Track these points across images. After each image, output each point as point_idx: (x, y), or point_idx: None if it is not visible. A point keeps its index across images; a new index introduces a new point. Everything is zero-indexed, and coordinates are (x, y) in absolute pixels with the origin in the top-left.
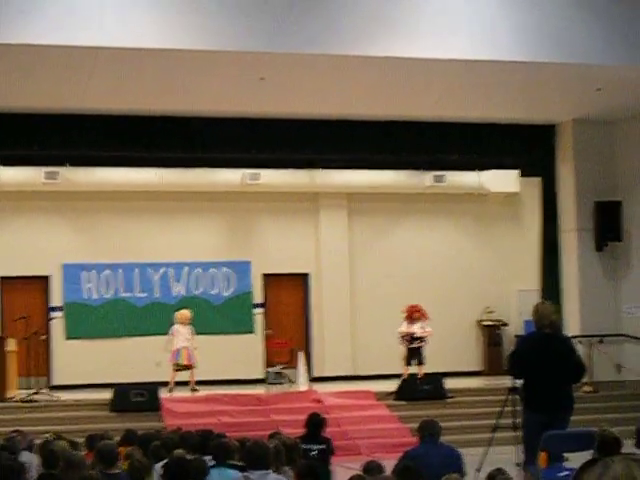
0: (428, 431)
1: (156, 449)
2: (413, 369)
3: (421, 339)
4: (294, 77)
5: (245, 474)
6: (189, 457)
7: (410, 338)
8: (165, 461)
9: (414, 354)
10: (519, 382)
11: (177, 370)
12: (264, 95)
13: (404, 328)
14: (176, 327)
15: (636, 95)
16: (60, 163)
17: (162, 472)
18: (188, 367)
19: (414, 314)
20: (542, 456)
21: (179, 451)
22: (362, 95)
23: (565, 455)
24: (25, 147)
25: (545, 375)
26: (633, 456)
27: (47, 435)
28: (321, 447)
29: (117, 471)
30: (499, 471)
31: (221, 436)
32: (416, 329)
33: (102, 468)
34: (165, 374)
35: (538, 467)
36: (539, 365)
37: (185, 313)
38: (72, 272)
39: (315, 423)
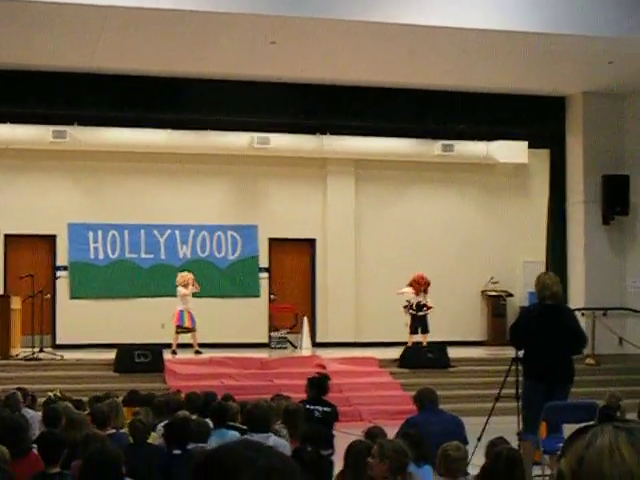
0: (428, 399)
1: (159, 405)
2: (418, 337)
3: (427, 307)
4: (305, 42)
5: (245, 436)
6: (188, 418)
7: (417, 307)
8: (167, 421)
9: (420, 322)
10: (521, 352)
11: (180, 332)
12: (275, 59)
13: (412, 298)
14: (181, 289)
15: None
16: (68, 122)
17: (163, 432)
18: (189, 330)
19: (422, 286)
20: (542, 426)
21: (183, 412)
22: (373, 62)
23: (564, 426)
24: (34, 105)
25: (546, 346)
26: (626, 424)
27: (51, 393)
28: (326, 409)
29: (112, 431)
30: (501, 439)
31: (228, 398)
32: (423, 299)
33: (96, 428)
34: (169, 336)
35: (538, 437)
36: (540, 336)
37: (183, 275)
38: (78, 232)
39: (318, 384)
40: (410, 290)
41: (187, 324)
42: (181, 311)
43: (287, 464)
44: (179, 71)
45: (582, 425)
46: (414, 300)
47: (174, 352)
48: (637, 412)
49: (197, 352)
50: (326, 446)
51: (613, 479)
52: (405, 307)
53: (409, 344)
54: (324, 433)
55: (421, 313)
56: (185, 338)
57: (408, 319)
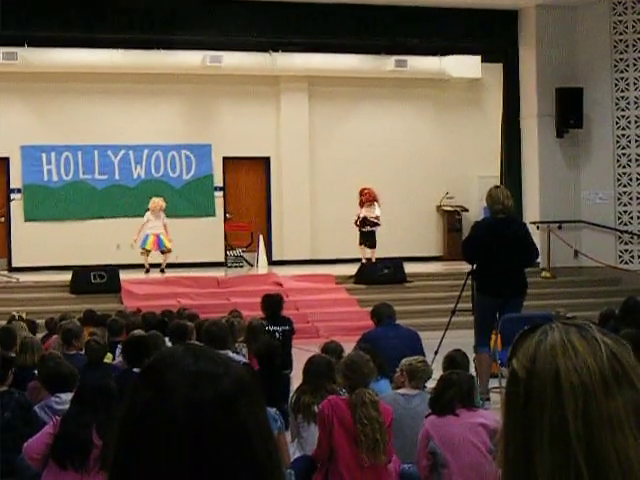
0: (385, 314)
1: (115, 325)
2: (367, 253)
3: (373, 223)
4: None
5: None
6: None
7: (363, 222)
8: (124, 340)
9: (366, 237)
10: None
11: (144, 254)
12: None
13: (359, 212)
14: (147, 215)
15: None
16: (19, 44)
17: (121, 350)
18: (164, 252)
19: (361, 197)
20: (497, 339)
21: (138, 331)
22: None
23: None
24: None
25: (498, 259)
26: (573, 321)
27: (15, 314)
28: (284, 328)
29: (74, 352)
30: (458, 352)
31: (192, 317)
32: (368, 213)
33: (64, 349)
34: (125, 256)
35: (493, 349)
36: (492, 249)
37: (156, 202)
38: (31, 154)
39: (273, 303)
40: (359, 208)
41: (150, 247)
42: (146, 235)
43: (222, 368)
44: None
45: (530, 326)
46: (361, 215)
47: (147, 271)
48: (599, 319)
49: (162, 271)
50: (283, 364)
51: (569, 373)
52: (355, 222)
53: (363, 260)
54: (279, 347)
55: (365, 229)
56: (157, 259)
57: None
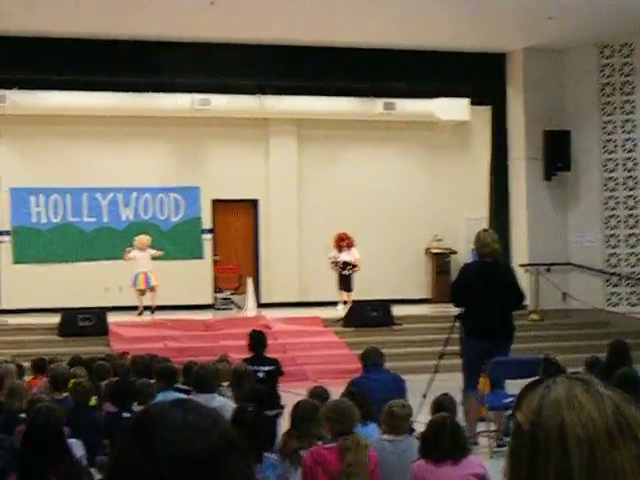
0: (371, 359)
1: (99, 367)
2: (344, 295)
3: (352, 266)
4: (243, 2)
5: (190, 397)
6: (135, 380)
7: (342, 266)
8: (108, 382)
9: (344, 280)
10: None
11: (138, 294)
12: (215, 19)
13: (333, 255)
14: (134, 252)
15: (587, 24)
16: (8, 86)
17: (108, 394)
18: (152, 289)
19: (341, 243)
20: (485, 382)
21: (124, 375)
22: (314, 21)
23: (506, 382)
24: None
25: (485, 303)
26: (576, 375)
27: (1, 357)
28: (269, 369)
29: (64, 395)
30: (446, 396)
31: (166, 360)
32: (347, 257)
33: (52, 392)
34: (112, 299)
35: (482, 393)
36: (480, 293)
37: (141, 239)
38: (20, 196)
39: (259, 341)
40: (336, 251)
41: (141, 286)
42: (135, 274)
43: (209, 422)
44: (119, 33)
45: (532, 380)
46: (340, 259)
47: (140, 313)
48: (585, 367)
49: (152, 312)
50: (270, 406)
51: (574, 426)
52: (332, 263)
53: (341, 302)
54: (265, 392)
55: (345, 272)
56: (145, 301)
57: (336, 277)
